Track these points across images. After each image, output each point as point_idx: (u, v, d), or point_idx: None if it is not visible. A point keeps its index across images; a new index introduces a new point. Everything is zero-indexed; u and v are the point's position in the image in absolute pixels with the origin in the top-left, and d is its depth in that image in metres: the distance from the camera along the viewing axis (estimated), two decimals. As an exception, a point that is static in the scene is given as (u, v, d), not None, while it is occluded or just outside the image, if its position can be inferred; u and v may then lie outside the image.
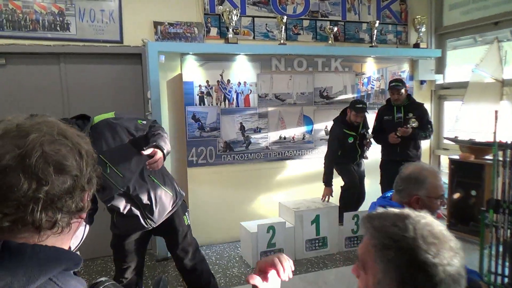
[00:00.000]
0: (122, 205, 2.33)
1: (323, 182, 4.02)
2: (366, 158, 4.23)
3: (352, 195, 4.13)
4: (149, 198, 2.35)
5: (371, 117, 4.30)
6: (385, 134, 3.99)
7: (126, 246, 2.47)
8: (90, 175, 0.77)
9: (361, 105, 3.92)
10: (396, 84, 3.97)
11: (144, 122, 2.35)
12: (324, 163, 4.08)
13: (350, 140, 4.03)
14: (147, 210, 2.37)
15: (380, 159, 4.19)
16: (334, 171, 4.09)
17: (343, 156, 4.09)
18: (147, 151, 2.08)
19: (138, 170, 2.29)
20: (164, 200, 2.41)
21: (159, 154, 2.10)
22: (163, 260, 3.82)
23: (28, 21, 3.49)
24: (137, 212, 2.37)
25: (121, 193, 2.30)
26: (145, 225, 2.41)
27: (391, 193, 1.91)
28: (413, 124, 3.80)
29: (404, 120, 3.93)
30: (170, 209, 2.46)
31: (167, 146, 2.20)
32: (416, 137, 3.94)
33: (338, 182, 4.17)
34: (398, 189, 1.80)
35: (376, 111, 4.34)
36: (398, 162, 3.92)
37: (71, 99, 3.71)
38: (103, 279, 0.87)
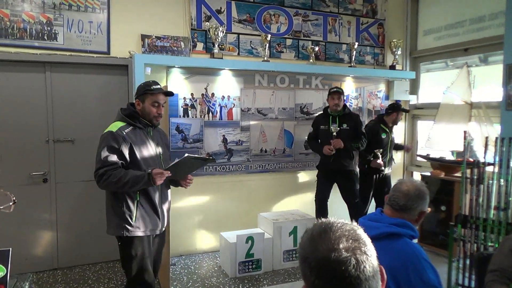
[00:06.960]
0: None
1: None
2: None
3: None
4: None
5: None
6: (321, 144, 4.04)
7: None
8: None
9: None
10: (337, 89, 4.03)
11: None
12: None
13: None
14: None
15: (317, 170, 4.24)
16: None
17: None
18: None
19: None
20: None
21: None
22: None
23: (16, 29, 3.49)
24: None
25: None
26: None
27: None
28: (335, 130, 3.91)
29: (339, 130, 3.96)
30: None
31: None
32: (349, 148, 3.96)
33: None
34: (408, 207, 1.69)
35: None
36: (333, 171, 4.01)
37: (56, 107, 3.70)
38: None
